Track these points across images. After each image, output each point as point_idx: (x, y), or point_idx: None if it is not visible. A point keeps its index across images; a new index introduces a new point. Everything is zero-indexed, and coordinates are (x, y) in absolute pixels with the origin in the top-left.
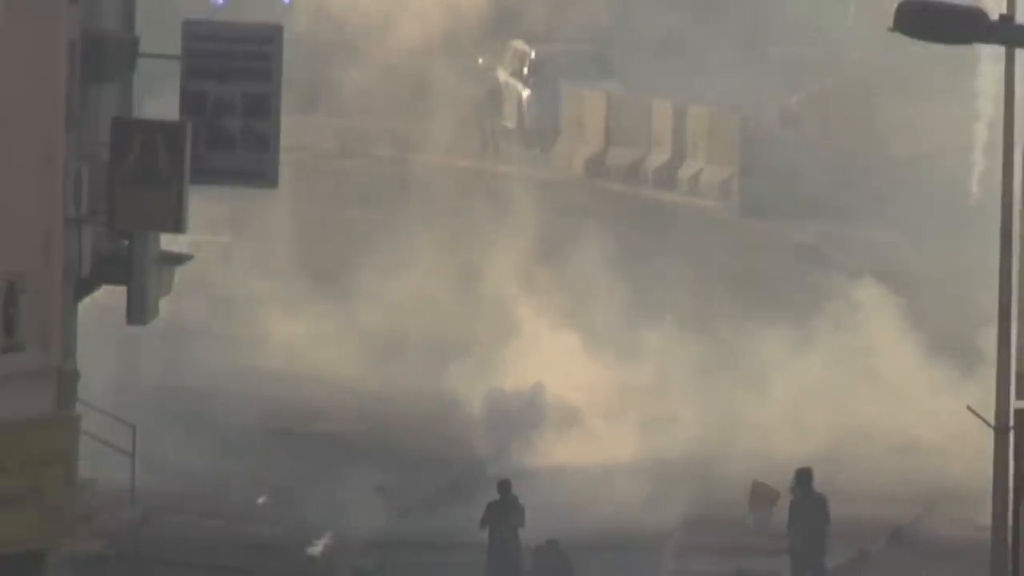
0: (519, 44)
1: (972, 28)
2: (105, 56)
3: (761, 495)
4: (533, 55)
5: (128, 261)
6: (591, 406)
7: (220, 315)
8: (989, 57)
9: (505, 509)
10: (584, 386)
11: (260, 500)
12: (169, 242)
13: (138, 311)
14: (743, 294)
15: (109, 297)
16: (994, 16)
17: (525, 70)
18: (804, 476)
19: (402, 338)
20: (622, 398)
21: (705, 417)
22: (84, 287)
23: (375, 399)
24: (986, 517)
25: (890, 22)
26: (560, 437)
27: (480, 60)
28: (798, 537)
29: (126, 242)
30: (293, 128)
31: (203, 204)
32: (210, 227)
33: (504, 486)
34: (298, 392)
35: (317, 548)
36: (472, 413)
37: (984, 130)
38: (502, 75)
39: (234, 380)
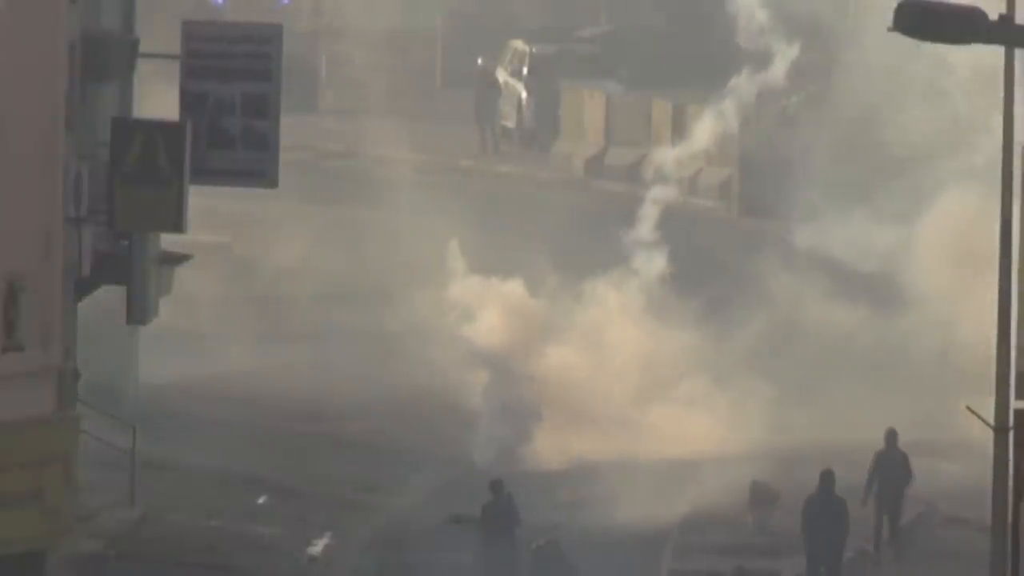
0: (519, 44)
1: (972, 28)
2: (105, 56)
3: (761, 495)
4: (533, 55)
5: (128, 261)
6: (595, 402)
7: (221, 315)
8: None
9: (499, 509)
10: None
11: (260, 500)
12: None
13: (138, 311)
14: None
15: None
16: (994, 16)
17: (525, 70)
18: (827, 478)
19: (411, 337)
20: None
21: (710, 415)
22: (84, 287)
23: (382, 399)
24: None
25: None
26: (565, 435)
27: (480, 60)
28: (815, 537)
29: (126, 242)
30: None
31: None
32: (210, 227)
33: (497, 486)
34: (301, 392)
35: (317, 548)
36: (478, 410)
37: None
38: (502, 75)
39: (234, 380)
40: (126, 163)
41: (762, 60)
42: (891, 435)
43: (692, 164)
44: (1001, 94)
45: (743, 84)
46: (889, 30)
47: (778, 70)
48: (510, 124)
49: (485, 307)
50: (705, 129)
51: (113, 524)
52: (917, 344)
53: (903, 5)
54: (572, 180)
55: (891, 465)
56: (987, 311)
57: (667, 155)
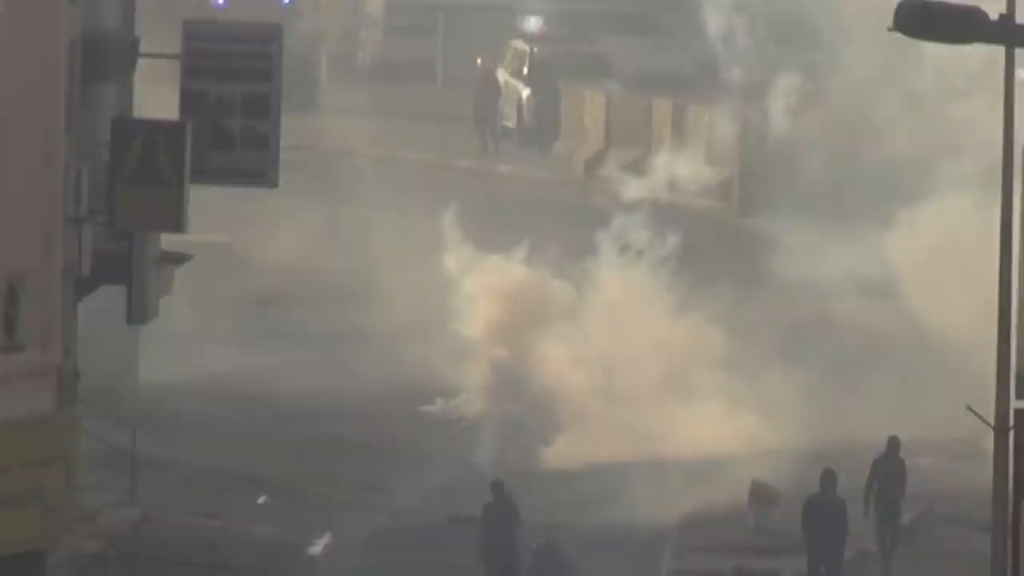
0: (519, 44)
1: (972, 28)
2: (105, 56)
3: (761, 494)
4: (533, 55)
5: (128, 261)
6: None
7: (221, 315)
8: None
9: (499, 510)
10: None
11: (260, 500)
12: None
13: (138, 311)
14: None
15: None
16: (994, 16)
17: (525, 70)
18: (828, 478)
19: (410, 337)
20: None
21: (711, 413)
22: (84, 287)
23: (382, 398)
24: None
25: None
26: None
27: (480, 60)
28: (815, 537)
29: (126, 242)
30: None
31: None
32: (210, 227)
33: (496, 486)
34: (301, 392)
35: (317, 548)
36: (478, 411)
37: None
38: (502, 75)
39: (235, 380)
40: (126, 163)
41: (753, 85)
42: (893, 442)
43: (692, 164)
44: (993, 97)
45: (725, 122)
46: (889, 30)
47: (773, 102)
48: (510, 124)
49: (485, 302)
50: (704, 130)
51: (113, 524)
52: (919, 344)
53: (903, 5)
54: (572, 180)
55: (889, 472)
56: (985, 312)
57: (667, 155)
